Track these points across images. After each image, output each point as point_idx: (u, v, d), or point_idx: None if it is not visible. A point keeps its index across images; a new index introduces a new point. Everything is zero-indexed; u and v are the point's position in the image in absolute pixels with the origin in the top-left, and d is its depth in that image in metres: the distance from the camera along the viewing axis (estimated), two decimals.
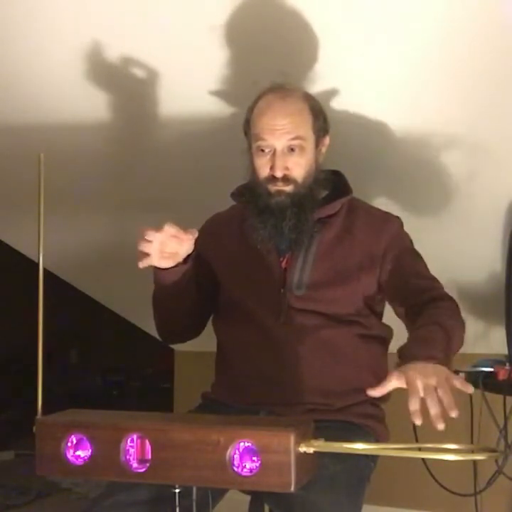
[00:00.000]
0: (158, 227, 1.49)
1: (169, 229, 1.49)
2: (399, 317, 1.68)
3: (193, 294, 1.70)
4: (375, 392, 1.31)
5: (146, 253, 1.51)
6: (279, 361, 1.66)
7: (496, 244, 2.26)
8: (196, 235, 1.52)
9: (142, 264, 1.52)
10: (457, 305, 1.63)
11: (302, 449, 1.14)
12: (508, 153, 1.98)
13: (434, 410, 1.22)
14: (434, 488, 2.13)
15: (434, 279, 1.68)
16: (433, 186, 2.18)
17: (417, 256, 1.73)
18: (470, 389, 1.30)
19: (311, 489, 1.33)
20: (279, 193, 1.65)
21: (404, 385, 1.29)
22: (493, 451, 1.14)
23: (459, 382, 1.29)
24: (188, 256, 1.59)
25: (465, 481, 2.28)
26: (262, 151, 1.65)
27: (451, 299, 1.64)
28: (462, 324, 1.60)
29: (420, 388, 1.25)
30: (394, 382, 1.31)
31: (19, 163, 2.09)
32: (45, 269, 1.33)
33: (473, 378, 1.98)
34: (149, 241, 1.50)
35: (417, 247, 1.75)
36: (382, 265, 1.69)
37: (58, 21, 1.83)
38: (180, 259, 1.57)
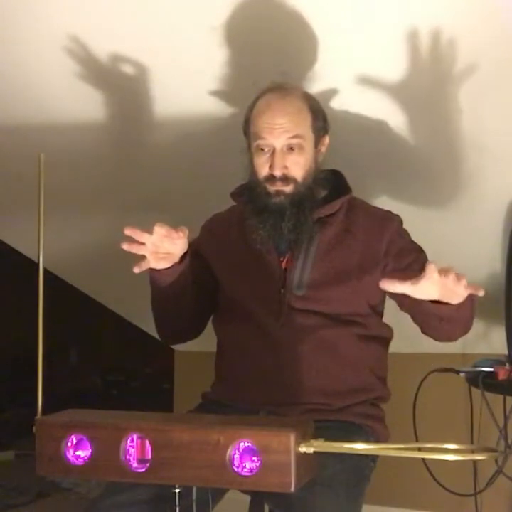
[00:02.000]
0: (148, 229, 1.47)
1: (159, 229, 1.47)
2: (402, 309, 1.66)
3: (191, 294, 1.70)
4: (388, 285, 1.34)
5: (141, 256, 1.49)
6: (279, 361, 1.66)
7: (495, 244, 2.26)
8: (187, 232, 1.50)
9: (139, 268, 1.49)
10: None
11: (302, 449, 1.14)
12: (508, 153, 1.98)
13: (463, 281, 1.32)
14: (434, 488, 2.13)
15: None
16: (433, 186, 2.18)
17: (419, 250, 1.72)
18: (481, 291, 1.37)
19: (311, 489, 1.33)
20: (278, 193, 1.65)
21: (414, 292, 1.35)
22: (493, 451, 1.14)
23: (472, 287, 1.36)
24: (184, 255, 1.58)
25: (465, 481, 2.27)
26: (262, 150, 1.65)
27: None
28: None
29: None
30: (407, 286, 1.34)
31: (19, 163, 2.09)
32: (45, 269, 1.33)
33: (473, 378, 1.98)
34: (142, 243, 1.48)
35: None
36: (384, 264, 1.68)
37: (58, 21, 1.84)
38: (176, 259, 1.56)
